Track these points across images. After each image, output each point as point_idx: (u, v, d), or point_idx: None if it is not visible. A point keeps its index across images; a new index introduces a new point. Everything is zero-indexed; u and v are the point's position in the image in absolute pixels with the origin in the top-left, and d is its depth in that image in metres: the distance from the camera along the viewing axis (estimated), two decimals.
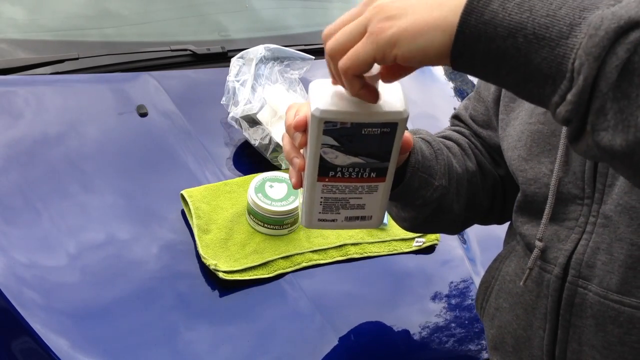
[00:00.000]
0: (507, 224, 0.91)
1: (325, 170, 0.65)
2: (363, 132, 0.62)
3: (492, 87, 0.85)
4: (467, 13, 0.47)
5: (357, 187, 0.68)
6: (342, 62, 0.54)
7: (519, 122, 0.77)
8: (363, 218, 0.72)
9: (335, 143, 0.63)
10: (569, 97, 0.45)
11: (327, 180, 0.66)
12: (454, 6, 0.48)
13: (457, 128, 0.93)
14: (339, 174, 0.66)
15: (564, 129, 0.69)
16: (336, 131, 0.62)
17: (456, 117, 0.95)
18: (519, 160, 0.76)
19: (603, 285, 0.67)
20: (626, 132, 0.43)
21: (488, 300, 0.84)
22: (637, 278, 0.65)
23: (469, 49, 0.48)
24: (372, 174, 0.67)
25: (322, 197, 0.68)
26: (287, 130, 0.67)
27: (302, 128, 0.64)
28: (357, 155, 0.64)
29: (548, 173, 0.72)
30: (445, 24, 0.48)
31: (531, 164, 0.74)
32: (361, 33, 0.53)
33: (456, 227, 0.91)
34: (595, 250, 0.68)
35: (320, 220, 0.71)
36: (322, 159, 0.64)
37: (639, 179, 0.48)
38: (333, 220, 0.71)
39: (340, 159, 0.64)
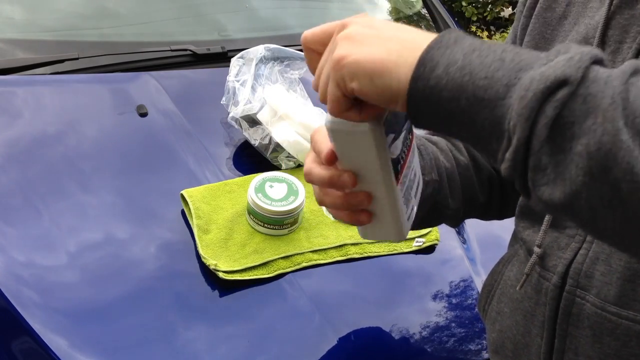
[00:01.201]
0: (509, 223, 0.90)
1: (396, 168, 0.61)
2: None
3: None
4: (415, 79, 0.49)
5: (410, 160, 0.64)
6: (328, 109, 0.54)
7: None
8: (418, 184, 0.69)
9: (392, 135, 0.59)
10: (507, 155, 0.47)
11: (400, 176, 0.62)
12: (412, 61, 0.50)
13: None
14: (401, 161, 0.62)
15: None
16: (387, 124, 0.58)
17: None
18: None
19: (601, 297, 0.66)
20: (563, 185, 0.45)
21: (490, 304, 0.84)
22: (635, 291, 0.64)
23: (421, 111, 0.50)
24: (408, 135, 0.64)
25: (402, 197, 0.63)
26: (334, 180, 0.59)
27: (332, 160, 0.59)
28: (401, 130, 0.61)
29: None
30: (399, 73, 0.50)
31: None
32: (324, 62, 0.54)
33: (457, 221, 0.91)
34: (595, 261, 0.67)
35: (408, 219, 0.66)
36: (392, 160, 0.59)
37: (585, 228, 0.49)
38: (412, 209, 0.66)
39: (397, 144, 0.61)
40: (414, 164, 0.67)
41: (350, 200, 0.60)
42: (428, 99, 0.49)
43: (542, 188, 0.46)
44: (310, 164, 0.62)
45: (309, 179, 0.61)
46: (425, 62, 0.49)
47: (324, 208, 1.28)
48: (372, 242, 1.22)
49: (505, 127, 0.47)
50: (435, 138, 0.86)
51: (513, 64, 0.47)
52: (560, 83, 0.44)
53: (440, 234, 1.27)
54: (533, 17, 0.79)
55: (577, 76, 0.44)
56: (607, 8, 0.68)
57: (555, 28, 0.76)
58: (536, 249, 0.73)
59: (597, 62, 0.46)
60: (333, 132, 0.58)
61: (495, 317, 0.82)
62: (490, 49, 0.48)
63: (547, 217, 0.72)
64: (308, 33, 0.57)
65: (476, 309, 1.16)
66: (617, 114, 0.42)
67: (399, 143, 0.61)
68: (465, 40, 0.50)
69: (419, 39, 0.51)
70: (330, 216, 1.25)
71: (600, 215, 0.45)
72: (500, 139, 0.47)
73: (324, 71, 0.54)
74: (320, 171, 0.60)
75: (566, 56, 0.45)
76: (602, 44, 0.68)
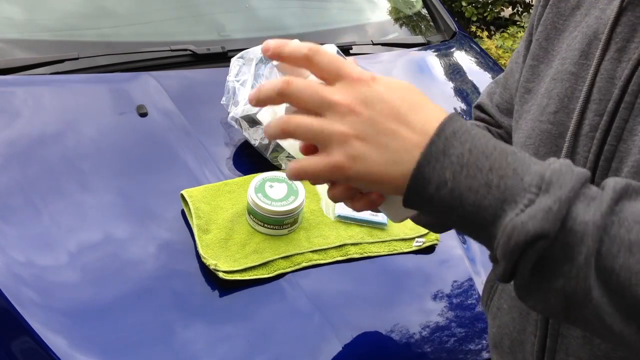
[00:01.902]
0: None
1: None
2: None
3: (517, 75, 0.84)
4: (409, 193, 0.53)
5: None
6: (295, 168, 0.55)
7: (530, 117, 0.76)
8: None
9: None
10: (496, 270, 0.53)
11: None
12: (406, 170, 0.53)
13: (472, 122, 0.92)
14: None
15: (570, 132, 0.69)
16: None
17: (479, 107, 0.95)
18: None
19: None
20: (543, 303, 0.52)
21: (492, 299, 0.85)
22: None
23: (414, 208, 0.55)
24: None
25: None
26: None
27: (310, 148, 0.59)
28: None
29: None
30: (396, 184, 0.53)
31: None
32: (320, 139, 0.54)
33: None
34: None
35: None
36: None
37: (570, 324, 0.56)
38: None
39: None
40: None
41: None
42: (421, 207, 0.54)
43: (525, 297, 0.53)
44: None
45: (303, 178, 0.58)
46: (417, 179, 0.52)
47: (323, 208, 1.28)
48: (372, 242, 1.22)
49: (493, 246, 0.52)
50: None
51: (499, 193, 0.51)
52: (538, 237, 0.49)
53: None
54: (547, 6, 0.79)
55: (555, 229, 0.49)
56: (619, 3, 0.68)
57: (568, 18, 0.76)
58: None
59: (583, 185, 0.51)
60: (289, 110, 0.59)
61: (495, 313, 0.83)
62: (477, 166, 0.51)
63: None
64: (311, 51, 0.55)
65: (476, 309, 1.16)
66: (589, 272, 0.49)
67: None
68: (454, 149, 0.52)
69: (415, 140, 0.52)
70: (331, 216, 1.25)
71: (573, 324, 0.55)
72: (489, 247, 0.53)
73: (311, 134, 0.54)
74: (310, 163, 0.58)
75: (547, 203, 0.49)
76: (610, 40, 0.68)
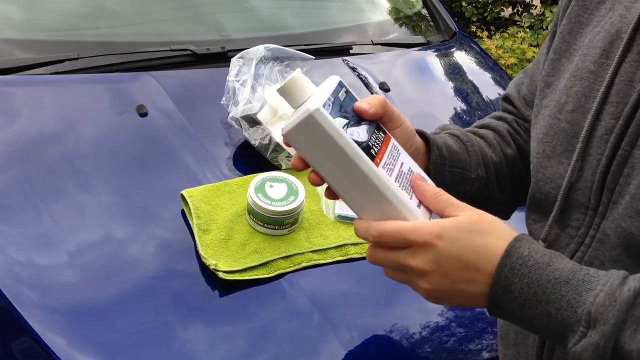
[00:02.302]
0: (509, 221, 0.90)
1: (368, 151, 0.64)
2: (340, 96, 0.65)
3: (541, 67, 0.84)
4: (491, 315, 0.67)
5: (390, 153, 0.67)
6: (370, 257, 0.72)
7: (548, 114, 0.76)
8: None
9: (344, 121, 0.63)
10: None
11: (378, 161, 0.65)
12: (484, 304, 0.65)
13: (500, 114, 0.93)
14: (374, 148, 0.65)
15: (584, 132, 0.69)
16: (335, 107, 0.63)
17: (506, 99, 0.94)
18: (542, 156, 0.75)
19: None
20: None
21: None
22: None
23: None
24: (379, 133, 0.67)
25: (394, 181, 0.66)
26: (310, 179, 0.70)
27: (300, 164, 0.69)
28: (355, 120, 0.65)
29: (564, 175, 0.71)
30: (476, 306, 0.69)
31: (552, 162, 0.73)
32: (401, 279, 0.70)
33: (508, 213, 0.91)
34: (589, 265, 0.68)
35: (419, 206, 0.68)
36: (355, 141, 0.63)
37: None
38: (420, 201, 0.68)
39: (357, 131, 0.64)
40: (405, 160, 0.69)
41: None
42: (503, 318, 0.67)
43: None
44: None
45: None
46: (492, 311, 0.65)
47: (323, 208, 1.28)
48: None
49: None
50: (482, 131, 0.86)
51: (558, 322, 0.61)
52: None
53: None
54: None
55: (606, 359, 0.58)
56: None
57: (592, 12, 0.75)
58: (541, 243, 0.73)
59: (629, 310, 0.57)
60: (289, 135, 0.63)
61: None
62: (536, 299, 0.61)
63: (553, 213, 0.72)
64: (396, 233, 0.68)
65: (476, 309, 1.16)
66: None
67: (360, 131, 0.64)
68: (514, 285, 0.62)
69: (485, 281, 0.64)
70: (331, 216, 1.25)
71: None
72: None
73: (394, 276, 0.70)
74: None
75: (595, 339, 0.58)
76: (632, 41, 0.67)
